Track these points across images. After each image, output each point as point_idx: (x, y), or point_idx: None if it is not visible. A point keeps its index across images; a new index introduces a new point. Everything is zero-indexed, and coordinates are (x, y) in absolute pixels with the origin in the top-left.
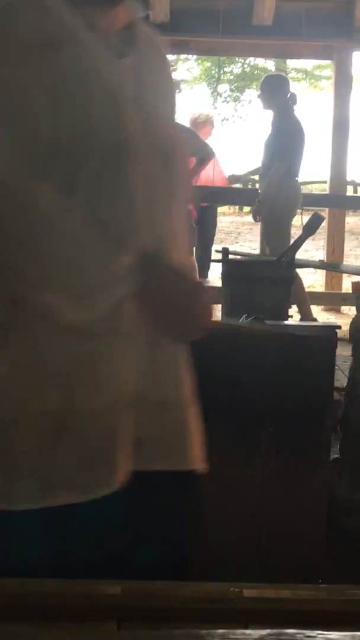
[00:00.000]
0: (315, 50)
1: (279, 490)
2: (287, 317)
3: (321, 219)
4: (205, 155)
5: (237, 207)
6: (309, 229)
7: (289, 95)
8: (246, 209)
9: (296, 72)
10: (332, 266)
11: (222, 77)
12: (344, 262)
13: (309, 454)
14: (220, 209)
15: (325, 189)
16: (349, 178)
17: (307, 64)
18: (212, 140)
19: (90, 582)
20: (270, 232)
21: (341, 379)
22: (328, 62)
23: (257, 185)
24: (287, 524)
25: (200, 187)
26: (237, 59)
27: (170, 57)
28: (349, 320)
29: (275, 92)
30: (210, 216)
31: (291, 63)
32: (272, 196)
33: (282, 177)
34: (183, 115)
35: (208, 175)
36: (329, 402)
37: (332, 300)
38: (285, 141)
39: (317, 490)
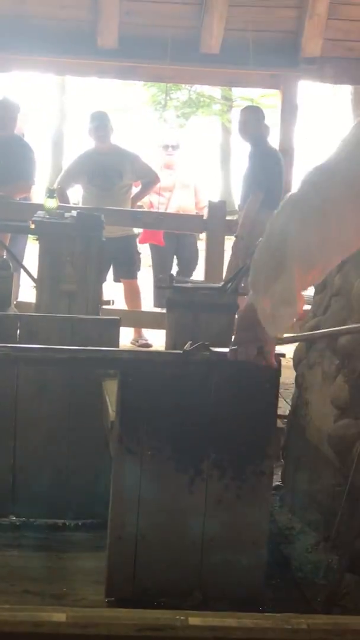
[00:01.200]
0: (261, 79)
1: (221, 516)
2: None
3: None
4: (151, 179)
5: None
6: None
7: (263, 126)
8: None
9: (242, 100)
10: None
11: (168, 104)
12: None
13: (251, 481)
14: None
15: None
16: None
17: (253, 92)
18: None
19: (37, 609)
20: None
21: (285, 407)
22: (274, 91)
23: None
24: (228, 550)
25: (145, 212)
26: (183, 85)
27: (118, 82)
28: (294, 348)
29: (251, 125)
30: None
31: (237, 91)
32: (249, 229)
33: (258, 210)
34: (128, 140)
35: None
36: (271, 430)
37: None
38: (260, 173)
39: (259, 517)
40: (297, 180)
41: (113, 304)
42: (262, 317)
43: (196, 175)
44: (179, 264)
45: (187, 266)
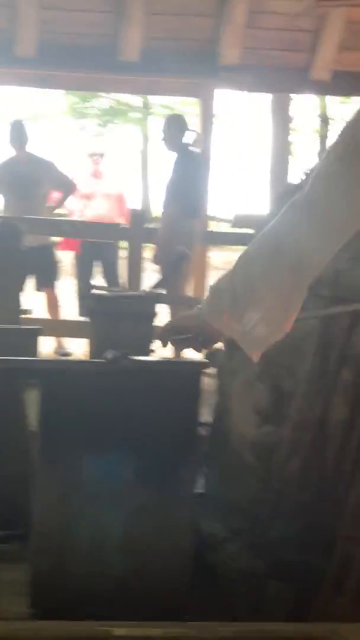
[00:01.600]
0: (181, 87)
1: (143, 524)
2: (149, 352)
3: (186, 256)
4: (68, 188)
5: None
6: (174, 266)
7: (186, 135)
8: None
9: (161, 108)
10: (196, 301)
11: (87, 112)
12: None
13: (173, 488)
14: None
15: None
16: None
17: (173, 100)
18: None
19: None
20: None
21: (207, 414)
22: (194, 99)
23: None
24: (152, 558)
25: (66, 220)
26: (102, 93)
27: (35, 90)
28: None
29: (175, 133)
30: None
31: (157, 99)
32: (166, 238)
33: (179, 218)
34: (45, 148)
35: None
36: (194, 437)
37: None
38: (182, 182)
39: (182, 525)
40: (214, 187)
41: (30, 313)
42: (241, 340)
43: (119, 183)
44: (103, 273)
45: (112, 274)
